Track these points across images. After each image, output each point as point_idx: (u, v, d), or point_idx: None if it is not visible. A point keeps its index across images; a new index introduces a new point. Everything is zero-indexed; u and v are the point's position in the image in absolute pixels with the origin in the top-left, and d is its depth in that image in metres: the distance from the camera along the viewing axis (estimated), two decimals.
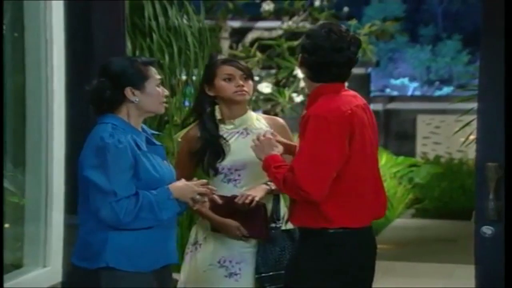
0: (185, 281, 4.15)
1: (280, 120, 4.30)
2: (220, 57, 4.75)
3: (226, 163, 4.07)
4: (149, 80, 3.46)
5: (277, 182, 3.68)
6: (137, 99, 3.44)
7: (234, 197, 4.00)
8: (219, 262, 4.07)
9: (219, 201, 3.81)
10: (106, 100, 3.43)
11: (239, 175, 4.08)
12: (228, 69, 4.09)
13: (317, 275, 3.65)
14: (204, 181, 3.57)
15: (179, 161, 4.17)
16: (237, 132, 4.13)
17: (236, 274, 4.05)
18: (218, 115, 4.14)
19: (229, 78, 4.08)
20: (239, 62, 4.16)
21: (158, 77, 3.51)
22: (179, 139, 4.17)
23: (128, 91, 3.43)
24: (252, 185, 4.03)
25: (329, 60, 3.63)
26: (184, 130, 4.19)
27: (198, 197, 3.49)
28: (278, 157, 3.72)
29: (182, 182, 3.49)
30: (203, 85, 4.16)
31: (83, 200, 3.45)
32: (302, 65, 3.73)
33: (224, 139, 4.09)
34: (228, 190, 4.05)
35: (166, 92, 3.53)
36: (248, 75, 4.11)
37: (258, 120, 4.20)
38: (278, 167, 3.67)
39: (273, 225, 4.07)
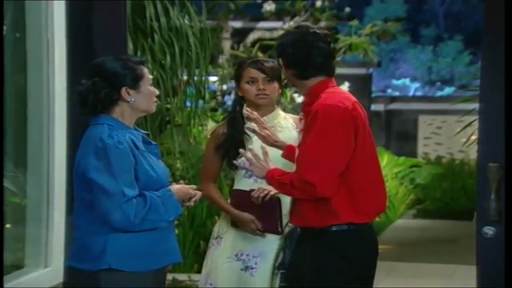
0: (206, 274, 4.21)
1: None
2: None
3: None
4: (143, 79, 3.45)
5: (285, 187, 3.70)
6: (132, 99, 3.41)
7: (251, 191, 4.07)
8: (236, 255, 4.14)
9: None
10: (101, 101, 3.39)
11: None
12: (251, 72, 4.20)
13: (318, 275, 3.66)
14: (194, 186, 3.57)
15: (206, 156, 4.31)
16: None
17: (252, 268, 4.10)
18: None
19: (252, 81, 4.19)
20: (264, 64, 4.23)
21: (150, 76, 3.51)
22: (208, 135, 4.32)
23: (124, 91, 3.40)
24: None
25: (305, 50, 3.71)
26: (214, 127, 4.33)
27: (187, 203, 3.49)
28: (278, 169, 3.78)
29: (180, 185, 3.50)
30: (236, 85, 4.32)
31: (79, 202, 3.41)
32: (285, 68, 3.80)
33: (248, 135, 4.17)
34: (249, 185, 4.15)
35: (157, 92, 3.52)
36: (273, 77, 4.20)
37: (285, 119, 4.29)
38: (282, 175, 3.73)
39: None
